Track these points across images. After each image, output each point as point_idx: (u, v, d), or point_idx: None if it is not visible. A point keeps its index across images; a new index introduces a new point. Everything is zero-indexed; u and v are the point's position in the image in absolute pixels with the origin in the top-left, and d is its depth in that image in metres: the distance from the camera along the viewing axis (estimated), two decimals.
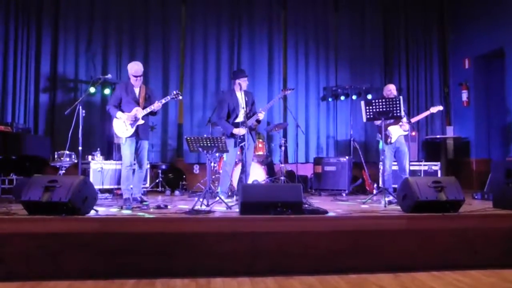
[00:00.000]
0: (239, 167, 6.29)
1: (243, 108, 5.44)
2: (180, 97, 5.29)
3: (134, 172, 5.16)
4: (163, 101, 5.09)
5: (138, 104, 5.07)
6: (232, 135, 5.45)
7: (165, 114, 7.86)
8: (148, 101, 5.14)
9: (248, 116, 5.44)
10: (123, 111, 5.05)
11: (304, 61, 8.46)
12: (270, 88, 8.27)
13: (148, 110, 5.02)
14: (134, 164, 5.18)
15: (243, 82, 5.56)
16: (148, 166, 7.08)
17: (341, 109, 8.45)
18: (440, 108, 6.05)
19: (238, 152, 5.90)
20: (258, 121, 5.61)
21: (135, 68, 5.05)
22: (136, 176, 5.17)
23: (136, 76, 5.04)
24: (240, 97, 5.55)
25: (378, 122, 5.81)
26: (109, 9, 7.89)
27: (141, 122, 5.02)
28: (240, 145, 5.49)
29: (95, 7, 7.83)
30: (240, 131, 5.39)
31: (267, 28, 8.36)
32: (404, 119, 5.63)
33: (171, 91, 7.90)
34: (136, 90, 5.13)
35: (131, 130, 4.99)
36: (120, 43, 7.90)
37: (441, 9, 8.83)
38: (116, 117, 5.03)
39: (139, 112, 5.00)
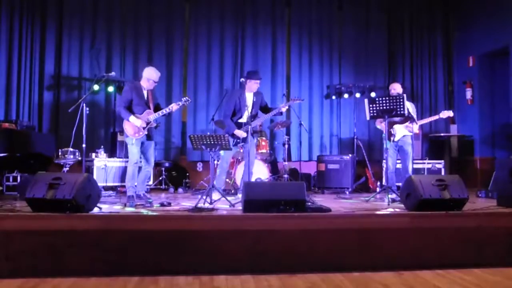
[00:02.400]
0: (242, 164, 6.29)
1: (248, 109, 5.47)
2: (189, 102, 5.26)
3: (139, 170, 5.15)
4: (180, 103, 5.08)
5: (148, 106, 5.07)
6: (233, 135, 5.47)
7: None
8: (154, 103, 5.15)
9: (251, 118, 5.46)
10: (133, 113, 5.01)
11: (307, 59, 8.45)
12: (274, 86, 8.26)
13: (160, 114, 5.02)
14: (140, 161, 5.18)
15: (254, 84, 5.56)
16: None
17: (344, 107, 8.43)
18: (450, 114, 5.86)
19: (241, 150, 5.92)
20: (281, 113, 5.70)
21: (156, 74, 5.07)
22: (143, 174, 5.14)
23: (156, 82, 5.10)
24: (249, 98, 5.57)
25: (378, 125, 5.80)
26: (113, 7, 7.90)
27: (153, 125, 5.05)
28: (238, 145, 5.54)
29: (99, 5, 7.84)
30: (242, 133, 5.44)
31: (271, 26, 8.35)
32: (415, 126, 5.56)
33: (174, 89, 8.02)
34: (145, 93, 5.12)
35: (143, 133, 4.97)
36: (124, 41, 7.91)
37: (446, 7, 8.79)
38: (129, 121, 4.94)
39: (151, 115, 5.01)
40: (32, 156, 6.09)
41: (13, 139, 5.88)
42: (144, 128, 4.96)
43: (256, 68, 8.17)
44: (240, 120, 5.55)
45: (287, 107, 5.58)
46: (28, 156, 6.05)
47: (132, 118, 4.93)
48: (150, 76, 5.03)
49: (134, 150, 4.96)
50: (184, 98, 5.17)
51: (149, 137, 5.06)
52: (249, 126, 5.38)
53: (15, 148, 5.87)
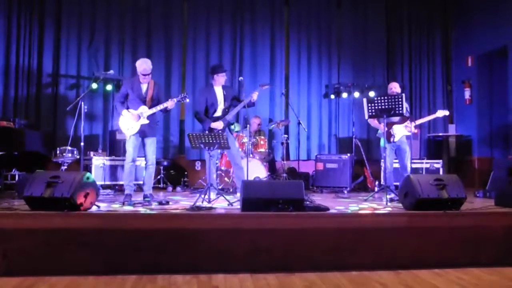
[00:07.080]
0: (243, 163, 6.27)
1: (221, 103, 5.52)
2: (187, 100, 5.25)
3: (136, 168, 5.14)
4: (175, 100, 5.03)
5: (144, 102, 5.01)
6: (210, 130, 5.47)
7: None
8: (156, 99, 5.09)
9: (225, 111, 5.53)
10: (128, 108, 5.03)
11: (306, 58, 8.44)
12: (272, 85, 8.25)
13: (153, 110, 4.97)
14: (137, 160, 5.16)
15: (221, 78, 5.59)
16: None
17: (343, 106, 8.43)
18: (446, 113, 5.92)
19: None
20: (253, 104, 5.64)
21: (143, 66, 4.96)
22: (145, 172, 5.13)
23: (144, 75, 4.98)
24: (219, 92, 5.59)
25: (373, 123, 5.81)
26: (111, 5, 7.87)
27: (145, 121, 4.96)
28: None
29: (97, 3, 7.81)
30: (219, 125, 5.45)
31: (270, 24, 8.33)
32: (412, 125, 5.59)
33: (173, 88, 8.00)
34: (143, 87, 5.05)
35: (136, 129, 4.95)
36: (122, 39, 7.89)
37: (444, 7, 8.80)
38: (121, 115, 5.00)
39: (145, 111, 4.95)
40: (30, 155, 6.08)
41: (11, 138, 5.86)
42: (136, 122, 4.93)
43: (254, 66, 8.19)
44: (215, 115, 5.57)
45: (256, 94, 5.54)
46: (26, 154, 6.04)
47: (124, 111, 4.97)
48: (138, 68, 5.00)
49: (129, 148, 5.00)
50: (182, 95, 5.15)
51: (144, 134, 5.00)
52: (226, 120, 5.46)
53: (12, 147, 5.85)
